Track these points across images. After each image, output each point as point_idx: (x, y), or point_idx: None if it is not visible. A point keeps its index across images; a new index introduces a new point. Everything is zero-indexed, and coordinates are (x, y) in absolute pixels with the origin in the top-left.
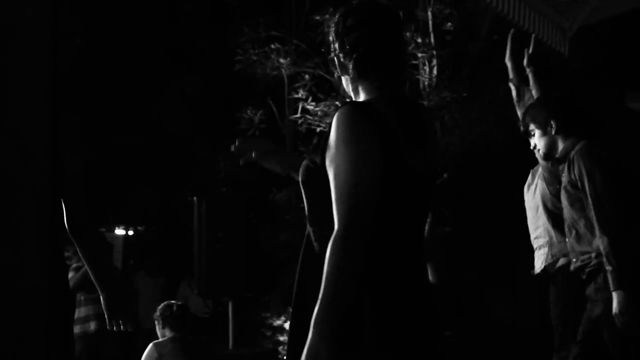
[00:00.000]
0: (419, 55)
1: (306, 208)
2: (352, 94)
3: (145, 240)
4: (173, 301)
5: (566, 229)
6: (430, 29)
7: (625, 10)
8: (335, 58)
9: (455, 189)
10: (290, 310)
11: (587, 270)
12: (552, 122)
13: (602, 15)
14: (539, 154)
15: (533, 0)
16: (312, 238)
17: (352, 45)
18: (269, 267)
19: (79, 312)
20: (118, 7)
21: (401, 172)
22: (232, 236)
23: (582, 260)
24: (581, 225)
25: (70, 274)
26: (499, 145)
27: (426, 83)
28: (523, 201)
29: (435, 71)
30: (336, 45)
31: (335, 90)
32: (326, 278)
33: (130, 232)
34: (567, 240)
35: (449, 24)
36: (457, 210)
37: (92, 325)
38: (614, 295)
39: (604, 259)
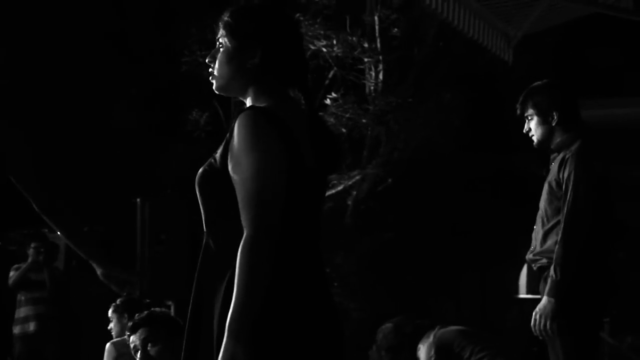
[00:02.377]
0: (365, 59)
1: (202, 211)
2: (248, 97)
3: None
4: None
5: (537, 217)
6: (377, 33)
7: (569, 19)
8: (227, 56)
9: (399, 194)
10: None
11: (537, 265)
12: (554, 113)
13: (547, 23)
14: (532, 139)
15: (478, 7)
16: (210, 241)
17: (252, 49)
18: None
19: (19, 313)
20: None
21: (303, 174)
22: (175, 238)
23: (534, 254)
24: (547, 223)
25: (11, 273)
26: (443, 151)
27: (372, 88)
28: (466, 205)
29: (381, 76)
30: (232, 44)
31: None
32: (238, 282)
33: None
34: (534, 227)
35: (396, 29)
36: (401, 215)
37: (32, 326)
38: (545, 298)
39: (552, 267)
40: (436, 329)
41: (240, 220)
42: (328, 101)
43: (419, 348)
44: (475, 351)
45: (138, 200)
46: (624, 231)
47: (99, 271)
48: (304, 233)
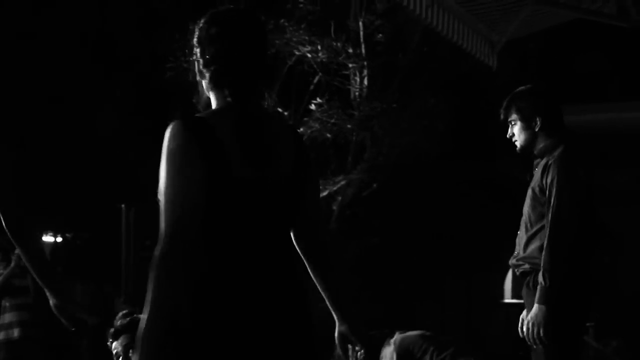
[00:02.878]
0: (350, 65)
1: None
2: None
3: (73, 247)
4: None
5: (521, 223)
6: (362, 39)
7: (553, 24)
8: (195, 63)
9: (384, 199)
10: None
11: (520, 270)
12: (537, 119)
13: (531, 29)
14: (516, 144)
15: (462, 13)
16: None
17: (211, 57)
18: None
19: (3, 319)
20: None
21: (229, 183)
22: None
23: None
24: (531, 228)
25: None
26: (427, 156)
27: (357, 93)
28: (451, 210)
29: (365, 81)
30: (197, 51)
31: (265, 99)
32: (148, 294)
33: (59, 239)
34: (518, 232)
35: (380, 35)
36: (386, 220)
37: (16, 332)
38: (535, 305)
39: (540, 274)
40: (396, 335)
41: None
42: (313, 106)
43: (381, 357)
44: (435, 353)
45: (123, 206)
46: (609, 236)
47: (52, 301)
48: (236, 242)
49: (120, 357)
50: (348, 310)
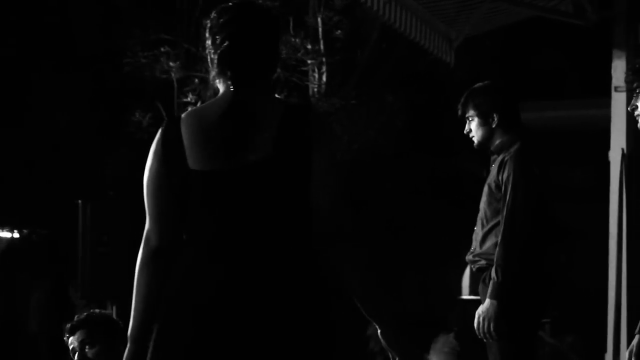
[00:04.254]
0: (309, 61)
1: None
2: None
3: (30, 242)
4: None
5: (477, 219)
6: (320, 35)
7: (511, 22)
8: (207, 54)
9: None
10: None
11: (476, 266)
12: (494, 115)
13: (489, 26)
14: (473, 140)
15: (420, 10)
16: None
17: (221, 41)
18: None
19: None
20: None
21: (188, 177)
22: (117, 240)
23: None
24: (487, 224)
25: None
26: (385, 153)
27: (315, 89)
28: (409, 207)
29: (324, 78)
30: (209, 42)
31: None
32: (135, 289)
33: (16, 235)
34: (475, 228)
35: (339, 31)
36: None
37: None
38: (487, 300)
39: (493, 269)
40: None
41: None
42: None
43: None
44: None
45: (80, 202)
46: (566, 234)
47: None
48: (210, 234)
49: (77, 353)
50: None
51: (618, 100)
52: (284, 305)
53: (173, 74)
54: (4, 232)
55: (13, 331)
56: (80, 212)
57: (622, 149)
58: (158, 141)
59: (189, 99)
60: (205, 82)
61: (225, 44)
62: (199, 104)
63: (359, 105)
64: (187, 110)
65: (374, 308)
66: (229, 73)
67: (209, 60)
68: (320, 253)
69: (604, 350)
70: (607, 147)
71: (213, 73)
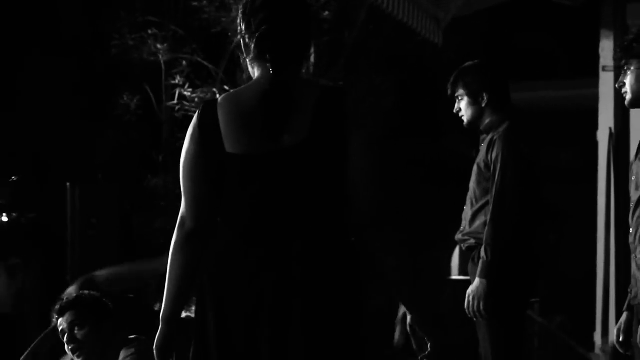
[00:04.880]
0: None
1: None
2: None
3: (19, 226)
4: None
5: (467, 198)
6: None
7: (499, 2)
8: (241, 39)
9: None
10: None
11: (466, 245)
12: (484, 95)
13: (477, 6)
14: (462, 119)
15: None
16: None
17: (257, 25)
18: (143, 253)
19: None
20: None
21: (225, 160)
22: (105, 222)
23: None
24: (476, 203)
25: None
26: (374, 134)
27: (303, 71)
28: (398, 188)
29: (312, 59)
30: (243, 27)
31: (213, 77)
32: (168, 270)
33: (4, 219)
34: (464, 208)
35: (326, 12)
36: None
37: None
38: (477, 279)
39: (483, 248)
40: None
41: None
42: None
43: None
44: None
45: (68, 184)
46: (555, 215)
47: None
48: (243, 215)
49: (66, 334)
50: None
51: (606, 80)
52: (320, 289)
53: (161, 57)
54: None
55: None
56: (69, 195)
57: (610, 129)
58: (195, 124)
59: (176, 81)
60: (193, 64)
61: (263, 27)
62: (186, 86)
63: (347, 87)
64: (175, 92)
65: (408, 292)
66: (268, 56)
67: (242, 45)
68: (356, 237)
69: (593, 329)
70: (595, 127)
71: (248, 57)
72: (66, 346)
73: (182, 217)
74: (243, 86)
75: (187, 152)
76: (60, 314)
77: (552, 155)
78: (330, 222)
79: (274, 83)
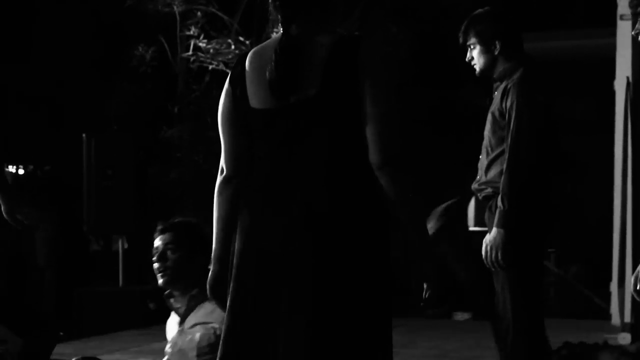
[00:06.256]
0: None
1: None
2: None
3: (35, 178)
4: None
5: (482, 147)
6: None
7: None
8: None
9: None
10: None
11: (482, 194)
12: (497, 42)
13: None
14: (475, 68)
15: None
16: None
17: None
18: (158, 204)
19: None
20: None
21: (249, 114)
22: (121, 173)
23: (479, 183)
24: (492, 152)
25: None
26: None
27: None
28: (413, 139)
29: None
30: None
31: (228, 28)
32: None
33: (21, 171)
34: (480, 157)
35: None
36: None
37: None
38: (494, 229)
39: (499, 198)
40: None
41: None
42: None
43: None
44: None
45: (84, 136)
46: (571, 165)
47: (4, 208)
48: (267, 162)
49: (158, 254)
50: (416, 247)
51: (623, 29)
52: (339, 239)
53: (175, 7)
54: (9, 168)
55: (21, 265)
56: (85, 146)
57: (627, 78)
58: (228, 77)
59: (191, 32)
60: (208, 15)
61: None
62: (201, 38)
63: (365, 35)
64: (190, 43)
65: (417, 235)
66: (279, 16)
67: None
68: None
69: (609, 279)
70: (611, 77)
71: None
72: (154, 265)
73: (220, 165)
74: (268, 41)
75: (221, 105)
76: (161, 232)
77: (567, 106)
78: (346, 173)
79: (282, 41)
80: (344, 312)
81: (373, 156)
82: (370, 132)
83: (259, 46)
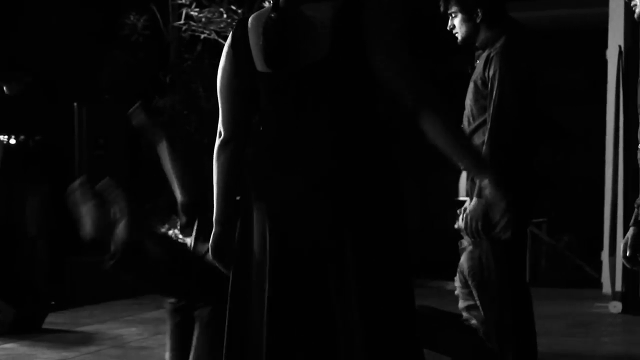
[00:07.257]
0: None
1: None
2: None
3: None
4: None
5: (464, 116)
6: None
7: None
8: None
9: None
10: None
11: None
12: (478, 10)
13: None
14: (457, 37)
15: None
16: None
17: None
18: (150, 174)
19: None
20: None
21: (257, 77)
22: (113, 143)
23: None
24: (473, 122)
25: None
26: None
27: None
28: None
29: None
30: None
31: None
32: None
33: (12, 141)
34: (462, 125)
35: None
36: None
37: None
38: (475, 199)
39: None
40: None
41: None
42: (266, 4)
43: None
44: None
45: (75, 105)
46: (562, 134)
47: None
48: (273, 124)
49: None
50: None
51: None
52: (356, 198)
53: None
54: None
55: (12, 235)
56: (76, 115)
57: (620, 46)
58: (228, 41)
59: (183, 1)
60: None
61: None
62: (193, 6)
63: None
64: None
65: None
66: None
67: None
68: (391, 143)
69: (600, 248)
70: (603, 46)
71: None
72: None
73: (218, 128)
74: (267, 7)
75: (221, 68)
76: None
77: (559, 76)
78: (359, 135)
79: (270, 10)
80: (373, 264)
81: (410, 104)
82: (397, 86)
83: (259, 11)
